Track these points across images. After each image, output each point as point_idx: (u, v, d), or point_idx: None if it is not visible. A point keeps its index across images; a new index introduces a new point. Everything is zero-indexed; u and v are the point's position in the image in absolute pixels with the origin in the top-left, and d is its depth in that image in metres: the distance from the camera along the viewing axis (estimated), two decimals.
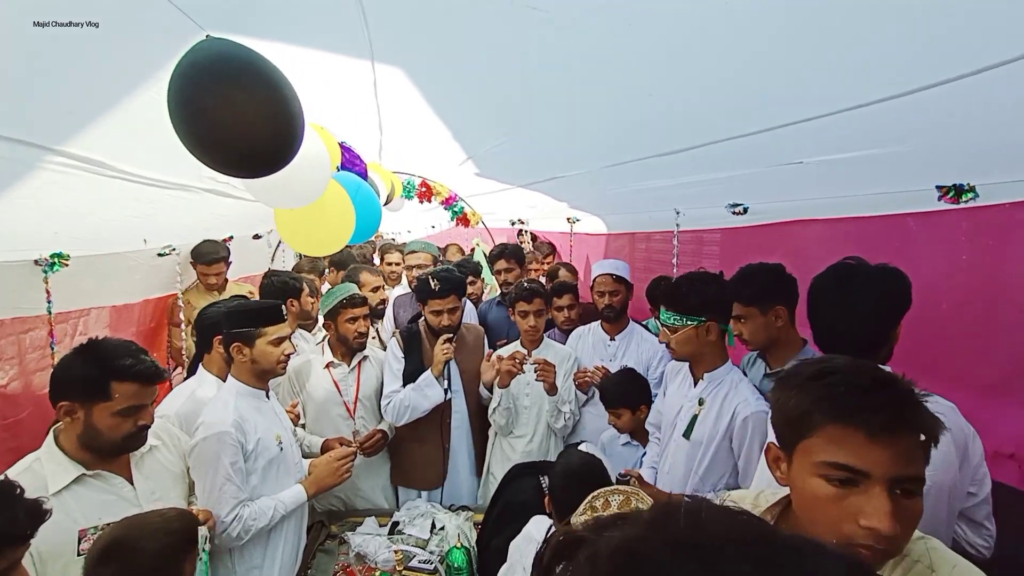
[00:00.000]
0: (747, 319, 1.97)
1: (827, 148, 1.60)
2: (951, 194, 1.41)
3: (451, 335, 2.60)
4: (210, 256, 3.43)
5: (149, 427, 1.56)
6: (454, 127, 2.61)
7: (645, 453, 2.37)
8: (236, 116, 1.23)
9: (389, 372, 2.62)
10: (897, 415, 0.77)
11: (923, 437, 0.77)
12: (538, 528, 1.67)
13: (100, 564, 1.18)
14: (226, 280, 3.61)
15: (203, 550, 1.49)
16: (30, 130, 1.56)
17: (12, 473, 1.41)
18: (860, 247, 2.11)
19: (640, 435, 2.40)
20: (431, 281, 2.57)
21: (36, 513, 1.03)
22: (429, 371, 2.57)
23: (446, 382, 2.62)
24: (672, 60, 1.36)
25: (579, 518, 1.36)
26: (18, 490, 1.05)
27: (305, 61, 1.80)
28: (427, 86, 2.07)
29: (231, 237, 3.85)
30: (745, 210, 2.36)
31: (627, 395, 2.36)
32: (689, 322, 1.85)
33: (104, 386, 1.45)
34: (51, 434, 1.51)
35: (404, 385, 2.59)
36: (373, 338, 3.31)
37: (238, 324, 1.90)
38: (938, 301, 1.75)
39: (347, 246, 3.41)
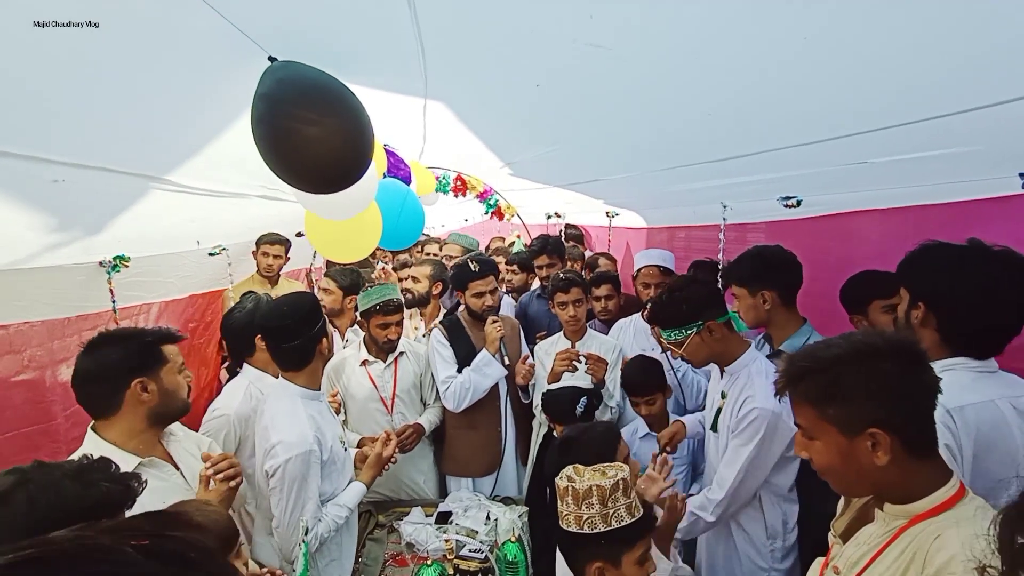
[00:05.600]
0: (738, 299, 2.07)
1: (897, 149, 1.54)
2: None
3: (496, 315, 2.67)
4: (274, 236, 3.57)
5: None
6: (496, 147, 2.65)
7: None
8: (324, 141, 1.31)
9: (440, 360, 2.66)
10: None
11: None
12: None
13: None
14: (279, 274, 3.71)
15: (304, 542, 1.51)
16: (100, 156, 1.62)
17: None
18: (917, 235, 2.04)
19: (659, 426, 2.38)
20: (470, 264, 2.65)
21: (138, 481, 1.11)
22: (484, 351, 2.63)
23: (505, 359, 2.68)
24: (735, 84, 1.34)
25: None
26: (114, 466, 1.11)
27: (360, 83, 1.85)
28: (472, 116, 2.11)
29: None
30: (799, 203, 2.29)
31: (658, 378, 2.36)
32: (689, 331, 1.86)
33: (159, 351, 1.57)
34: (91, 432, 1.53)
35: (459, 370, 2.64)
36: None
37: (316, 319, 1.87)
38: None
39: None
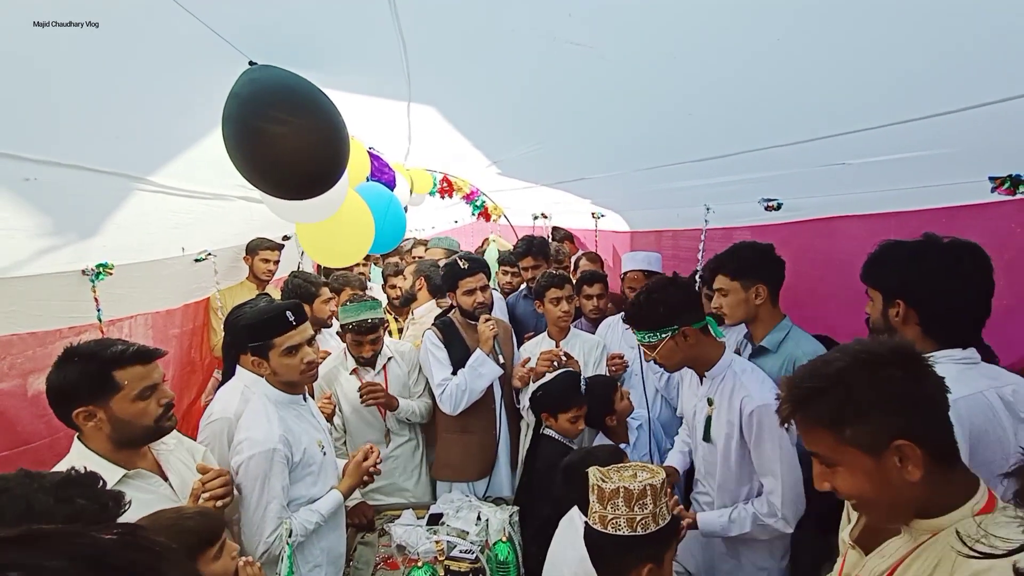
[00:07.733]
0: (728, 293, 2.04)
1: (873, 151, 1.58)
2: (1007, 185, 1.37)
3: (489, 313, 2.66)
4: (271, 242, 3.52)
5: (173, 405, 1.56)
6: (483, 146, 2.66)
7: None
8: (297, 147, 1.29)
9: (435, 362, 2.63)
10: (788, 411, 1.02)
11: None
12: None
13: None
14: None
15: (288, 544, 1.50)
16: (75, 154, 1.60)
17: None
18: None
19: (618, 434, 2.40)
20: (459, 262, 2.63)
21: (118, 501, 1.09)
22: (478, 351, 2.59)
23: (500, 357, 2.66)
24: (714, 85, 1.37)
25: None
26: (101, 482, 1.10)
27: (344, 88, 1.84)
28: (457, 114, 2.12)
29: None
30: (779, 206, 2.34)
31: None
32: (663, 335, 1.81)
33: (108, 378, 1.44)
34: (76, 441, 1.48)
35: (454, 372, 2.62)
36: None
37: (250, 339, 1.85)
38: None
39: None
